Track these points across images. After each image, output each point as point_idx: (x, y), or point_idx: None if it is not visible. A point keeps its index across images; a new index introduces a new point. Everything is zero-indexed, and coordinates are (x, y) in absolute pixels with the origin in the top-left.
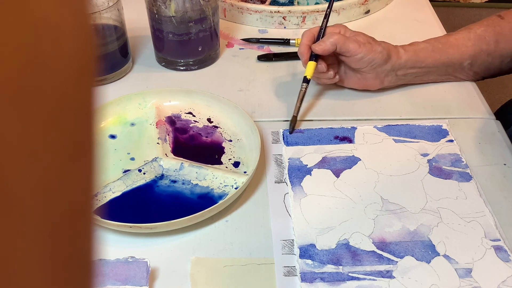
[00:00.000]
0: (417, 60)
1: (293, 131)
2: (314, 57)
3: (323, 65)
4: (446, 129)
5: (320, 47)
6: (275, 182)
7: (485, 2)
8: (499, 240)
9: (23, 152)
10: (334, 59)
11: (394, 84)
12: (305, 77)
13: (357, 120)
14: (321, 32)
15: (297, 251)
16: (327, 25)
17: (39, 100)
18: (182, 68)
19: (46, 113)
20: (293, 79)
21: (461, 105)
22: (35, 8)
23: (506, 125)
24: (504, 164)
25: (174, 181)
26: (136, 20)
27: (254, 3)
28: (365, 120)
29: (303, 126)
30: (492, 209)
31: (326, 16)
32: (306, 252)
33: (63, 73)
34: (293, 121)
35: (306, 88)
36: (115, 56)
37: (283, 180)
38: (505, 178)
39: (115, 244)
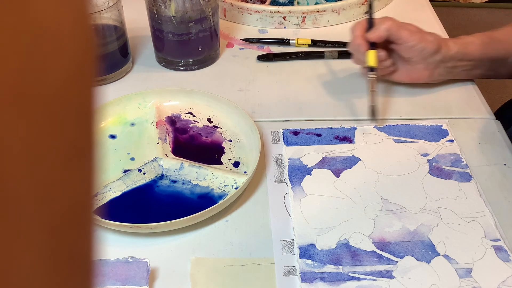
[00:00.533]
0: (466, 53)
1: (375, 119)
2: (370, 46)
3: (383, 52)
4: (446, 129)
5: (375, 34)
6: (275, 182)
7: (485, 2)
8: (499, 240)
9: (23, 152)
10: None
11: (443, 78)
12: (369, 67)
13: (357, 120)
14: (370, 22)
15: (297, 251)
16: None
17: (39, 100)
18: (182, 68)
19: (46, 113)
20: (293, 79)
21: (461, 105)
22: (35, 9)
23: (506, 125)
24: (504, 164)
25: (174, 181)
26: (136, 20)
27: (254, 3)
28: (365, 120)
29: (302, 126)
30: (492, 209)
31: (370, 5)
32: (306, 252)
33: (63, 73)
34: (374, 109)
35: (375, 76)
36: (115, 56)
37: (283, 180)
38: (505, 178)
39: (115, 244)
